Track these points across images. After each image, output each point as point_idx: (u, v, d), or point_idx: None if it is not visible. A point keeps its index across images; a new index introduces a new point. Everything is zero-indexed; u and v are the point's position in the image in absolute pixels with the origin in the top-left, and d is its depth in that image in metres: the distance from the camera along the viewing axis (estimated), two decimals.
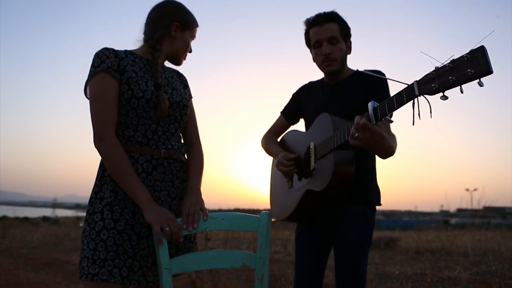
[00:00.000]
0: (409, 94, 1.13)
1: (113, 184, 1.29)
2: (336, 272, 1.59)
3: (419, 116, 1.11)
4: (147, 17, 1.42)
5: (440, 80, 1.05)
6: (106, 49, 1.32)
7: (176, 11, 1.42)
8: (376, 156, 1.61)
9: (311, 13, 1.71)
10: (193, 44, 1.48)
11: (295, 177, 1.70)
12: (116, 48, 1.37)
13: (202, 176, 1.45)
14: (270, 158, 1.91)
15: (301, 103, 1.81)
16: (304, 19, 1.71)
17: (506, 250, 5.16)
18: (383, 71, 1.59)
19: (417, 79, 1.11)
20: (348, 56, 1.69)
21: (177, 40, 1.41)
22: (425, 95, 1.09)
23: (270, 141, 1.87)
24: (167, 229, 1.22)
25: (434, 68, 1.08)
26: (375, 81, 1.58)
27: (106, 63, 1.29)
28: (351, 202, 1.57)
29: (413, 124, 1.11)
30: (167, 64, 1.49)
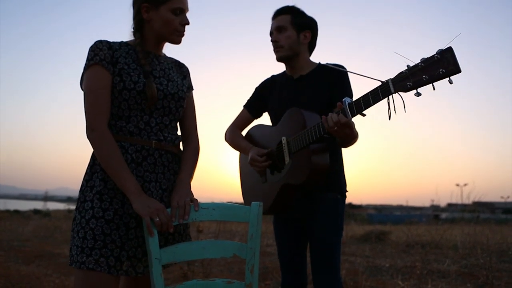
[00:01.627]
0: (384, 91, 1.21)
1: (103, 173, 1.29)
2: (311, 259, 1.65)
3: (395, 112, 1.19)
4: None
5: (415, 78, 1.14)
6: (99, 41, 1.32)
7: None
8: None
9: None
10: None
11: (268, 171, 1.72)
12: (113, 40, 1.35)
13: (195, 169, 1.44)
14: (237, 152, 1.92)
15: (265, 97, 1.84)
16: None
17: (494, 244, 5.25)
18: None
19: (391, 77, 1.19)
20: (314, 50, 1.76)
21: (154, 21, 1.34)
22: (399, 92, 1.18)
23: (237, 136, 1.88)
24: (157, 219, 1.21)
25: (406, 67, 1.16)
26: (338, 75, 1.65)
27: (99, 56, 1.29)
28: (324, 190, 1.63)
29: (389, 119, 1.20)
30: (170, 54, 1.46)
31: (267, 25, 1.78)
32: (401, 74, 1.18)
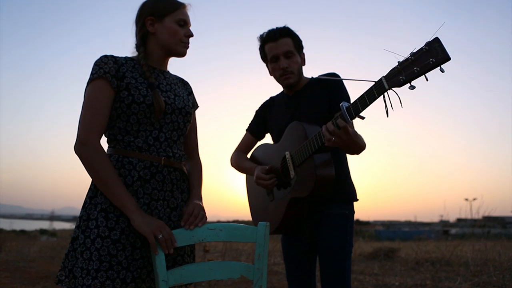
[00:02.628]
0: (379, 89, 1.22)
1: None
2: (321, 275, 1.62)
3: (392, 108, 1.20)
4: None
5: (407, 72, 1.15)
6: (104, 56, 1.31)
7: (144, 7, 1.38)
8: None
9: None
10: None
11: (275, 188, 1.72)
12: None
13: (201, 187, 1.44)
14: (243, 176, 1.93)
15: (266, 119, 1.86)
16: (258, 35, 1.76)
17: (506, 260, 5.13)
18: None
19: (384, 75, 1.21)
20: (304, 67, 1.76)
21: (159, 32, 1.35)
22: (394, 88, 1.19)
23: (241, 158, 1.89)
24: (161, 236, 1.19)
25: (397, 63, 1.18)
26: (333, 85, 1.65)
27: (104, 69, 1.27)
28: (331, 202, 1.61)
29: (387, 116, 1.20)
30: (174, 72, 1.48)
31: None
32: (393, 70, 1.19)
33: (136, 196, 1.28)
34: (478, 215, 5.96)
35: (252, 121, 1.92)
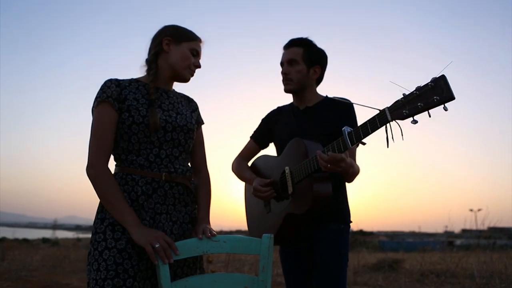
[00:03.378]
0: (382, 119, 1.23)
1: None
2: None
3: (393, 139, 1.22)
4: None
5: (410, 106, 1.17)
6: (109, 80, 1.38)
7: (166, 28, 1.46)
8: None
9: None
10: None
11: (273, 201, 1.72)
12: (122, 75, 1.42)
13: (210, 205, 1.47)
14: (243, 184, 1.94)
15: (271, 128, 1.86)
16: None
17: None
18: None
19: (388, 106, 1.23)
20: (320, 84, 1.78)
21: (172, 53, 1.43)
22: (396, 120, 1.20)
23: (242, 167, 1.89)
24: (158, 245, 1.21)
25: (402, 95, 1.19)
26: (345, 109, 1.67)
27: (106, 93, 1.35)
28: (326, 220, 1.62)
29: (388, 147, 1.21)
30: (179, 90, 1.52)
31: (278, 53, 1.81)
32: (397, 102, 1.20)
33: (143, 209, 1.33)
34: (484, 226, 5.90)
35: (257, 129, 1.93)
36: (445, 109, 1.12)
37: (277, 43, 1.86)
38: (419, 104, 1.15)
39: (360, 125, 1.30)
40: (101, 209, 1.34)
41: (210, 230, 1.34)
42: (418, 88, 1.16)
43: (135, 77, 1.46)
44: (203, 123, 1.57)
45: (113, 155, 1.40)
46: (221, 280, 1.31)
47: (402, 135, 1.20)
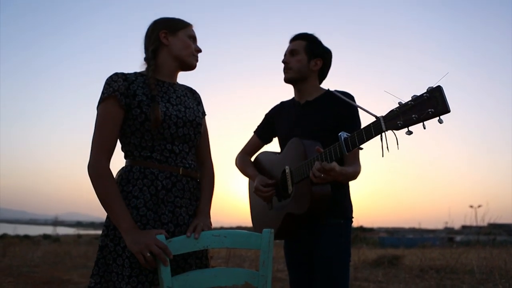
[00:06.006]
0: (376, 129, 1.23)
1: (134, 201, 1.31)
2: (315, 283, 1.61)
3: (388, 149, 1.20)
4: (143, 43, 1.47)
5: (405, 118, 1.15)
6: (115, 74, 1.36)
7: (158, 22, 1.45)
8: None
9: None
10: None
11: (274, 198, 1.74)
12: (127, 69, 1.40)
13: (212, 197, 1.47)
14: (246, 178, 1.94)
15: (274, 123, 1.87)
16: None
17: None
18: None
19: (383, 115, 1.21)
20: (325, 80, 1.80)
21: (173, 44, 1.42)
22: (392, 130, 1.18)
23: (245, 163, 1.91)
24: (148, 255, 1.21)
25: (397, 104, 1.17)
26: (346, 107, 1.66)
27: (113, 87, 1.32)
28: (327, 216, 1.63)
29: (383, 156, 1.20)
30: (182, 81, 1.51)
31: (280, 50, 1.85)
32: (392, 112, 1.19)
33: (162, 204, 1.32)
34: (484, 222, 5.90)
35: (260, 124, 1.93)
36: (440, 121, 1.09)
37: (281, 40, 1.90)
38: (413, 116, 1.12)
39: (356, 132, 1.31)
40: None
41: (203, 226, 1.32)
42: (414, 98, 1.13)
43: (138, 70, 1.44)
44: (206, 115, 1.56)
45: (124, 151, 1.39)
46: (221, 275, 1.31)
47: (397, 144, 1.18)
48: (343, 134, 1.35)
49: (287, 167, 1.64)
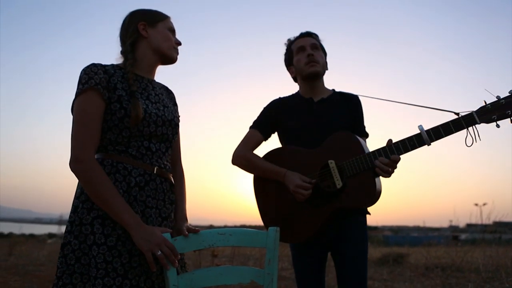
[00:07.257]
0: (469, 122, 1.41)
1: None
2: (342, 277, 1.65)
3: (476, 140, 1.41)
4: (119, 36, 1.41)
5: (499, 112, 1.37)
6: (93, 65, 1.27)
7: (135, 14, 1.40)
8: None
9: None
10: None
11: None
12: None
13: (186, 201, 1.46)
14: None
15: (278, 119, 1.78)
16: (286, 40, 1.86)
17: None
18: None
19: (475, 110, 1.41)
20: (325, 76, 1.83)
21: (152, 36, 1.36)
22: (483, 123, 1.40)
23: (259, 159, 1.76)
24: (159, 253, 1.18)
25: (484, 102, 1.39)
26: (356, 103, 1.77)
27: (94, 80, 1.24)
28: (356, 213, 1.69)
29: (470, 146, 1.41)
30: (160, 80, 1.47)
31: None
32: (483, 107, 1.39)
33: (135, 202, 1.25)
34: (489, 220, 5.86)
35: (261, 119, 1.81)
36: (498, 126, 1.38)
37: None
38: (507, 111, 1.36)
39: (441, 125, 1.43)
40: (87, 197, 1.23)
41: (189, 228, 1.31)
42: (505, 98, 1.37)
43: (115, 63, 1.37)
44: (179, 116, 1.51)
45: None
46: (227, 273, 1.31)
47: (479, 136, 1.40)
48: (421, 127, 1.45)
49: (331, 161, 1.59)
